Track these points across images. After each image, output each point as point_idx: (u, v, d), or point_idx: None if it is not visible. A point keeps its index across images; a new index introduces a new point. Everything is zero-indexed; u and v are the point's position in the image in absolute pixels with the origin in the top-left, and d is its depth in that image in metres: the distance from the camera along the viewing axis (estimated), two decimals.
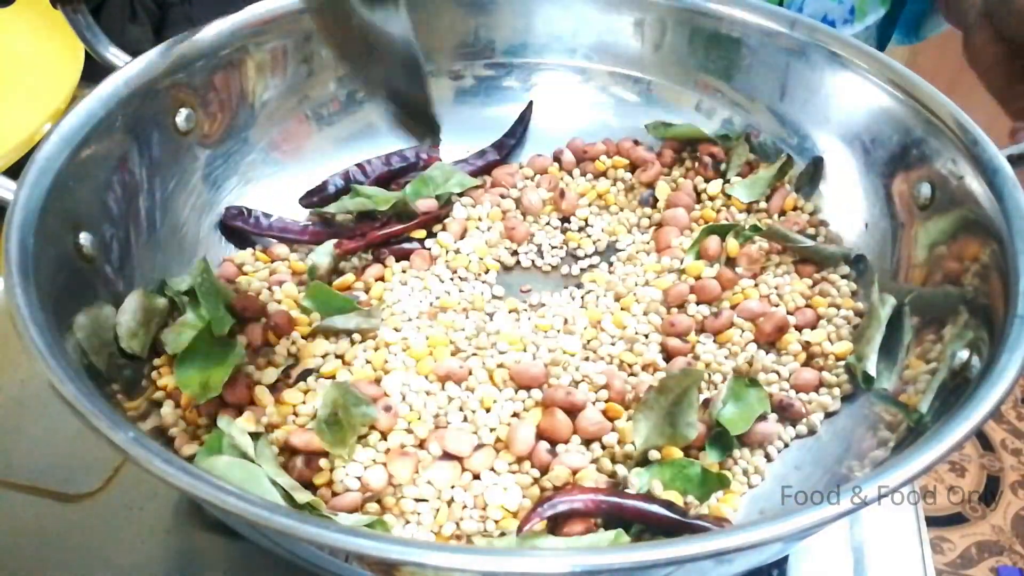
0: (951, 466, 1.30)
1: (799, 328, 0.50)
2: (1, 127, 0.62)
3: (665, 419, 0.44)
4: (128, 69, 0.49)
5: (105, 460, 0.48)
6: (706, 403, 0.46)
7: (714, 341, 0.50)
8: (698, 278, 0.53)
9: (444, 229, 0.57)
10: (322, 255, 0.53)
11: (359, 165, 0.59)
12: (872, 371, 0.47)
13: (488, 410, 0.45)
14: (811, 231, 0.56)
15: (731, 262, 0.54)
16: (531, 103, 0.63)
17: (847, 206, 0.55)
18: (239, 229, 0.55)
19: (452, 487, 0.43)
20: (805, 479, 0.45)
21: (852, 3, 0.69)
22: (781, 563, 0.44)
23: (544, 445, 0.44)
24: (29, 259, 0.39)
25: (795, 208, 0.57)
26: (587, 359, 0.49)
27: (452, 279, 0.54)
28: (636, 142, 0.62)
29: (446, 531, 0.41)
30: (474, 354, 0.48)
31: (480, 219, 0.57)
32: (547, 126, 0.63)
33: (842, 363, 0.49)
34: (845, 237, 0.55)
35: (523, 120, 0.63)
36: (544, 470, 0.43)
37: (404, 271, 0.54)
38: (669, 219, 0.57)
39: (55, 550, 0.44)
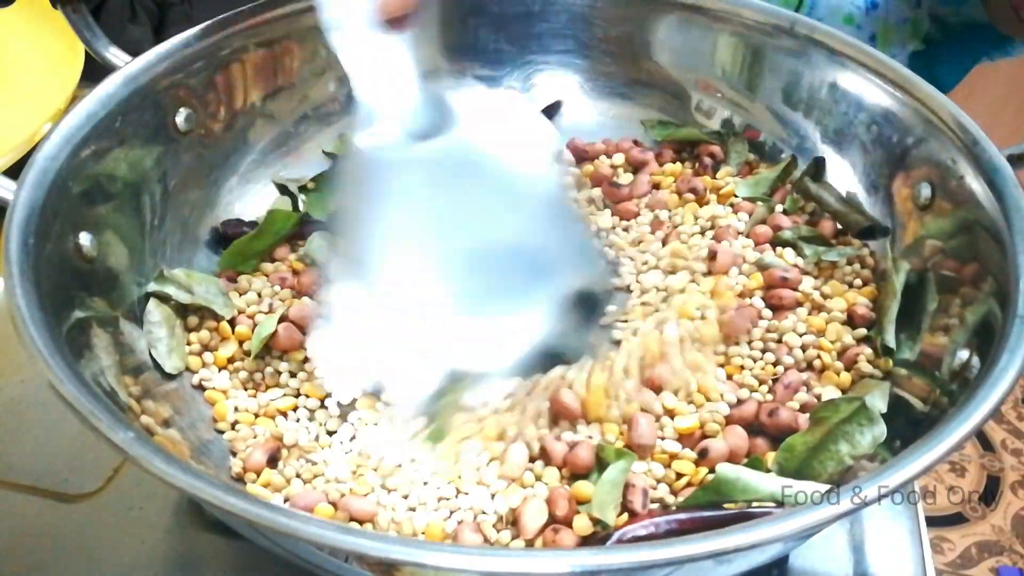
0: (951, 466, 1.30)
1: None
2: (1, 127, 0.62)
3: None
4: (128, 69, 0.49)
5: (105, 460, 0.48)
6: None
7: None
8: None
9: None
10: (316, 247, 0.53)
11: None
12: (891, 342, 0.47)
13: None
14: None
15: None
16: (559, 102, 0.63)
17: None
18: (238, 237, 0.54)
19: None
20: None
21: (873, 30, 0.68)
22: (781, 563, 0.44)
23: None
24: (29, 259, 0.39)
25: (799, 209, 0.57)
26: None
27: None
28: (636, 142, 0.62)
29: None
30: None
31: None
32: None
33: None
34: None
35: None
36: None
37: None
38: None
39: (55, 550, 0.44)
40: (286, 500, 0.43)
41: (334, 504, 0.42)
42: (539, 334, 0.44)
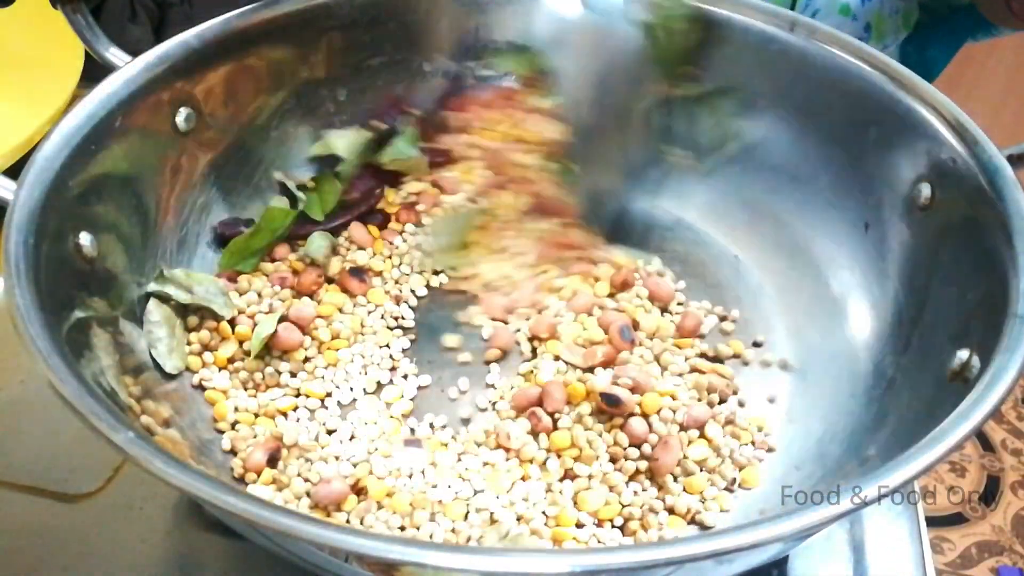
0: (951, 466, 1.30)
1: None
2: (1, 127, 0.62)
3: None
4: (128, 69, 0.49)
5: (105, 460, 0.48)
6: None
7: None
8: None
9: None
10: (316, 246, 0.54)
11: None
12: None
13: None
14: None
15: None
16: None
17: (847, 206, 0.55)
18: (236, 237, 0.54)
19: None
20: (805, 479, 0.45)
21: (868, 20, 0.69)
22: (781, 563, 0.44)
23: None
24: (29, 259, 0.39)
25: None
26: None
27: None
28: None
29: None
30: None
31: None
32: None
33: None
34: (845, 237, 0.55)
35: None
36: None
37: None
38: None
39: (55, 550, 0.44)
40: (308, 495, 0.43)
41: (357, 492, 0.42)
42: None
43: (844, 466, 0.44)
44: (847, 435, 0.46)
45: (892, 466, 0.33)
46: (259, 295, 0.51)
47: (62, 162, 0.43)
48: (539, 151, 0.53)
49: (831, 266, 0.54)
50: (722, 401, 0.49)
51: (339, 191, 0.57)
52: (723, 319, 0.54)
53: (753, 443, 0.47)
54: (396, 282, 0.54)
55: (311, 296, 0.52)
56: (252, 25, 0.54)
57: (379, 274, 0.54)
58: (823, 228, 0.56)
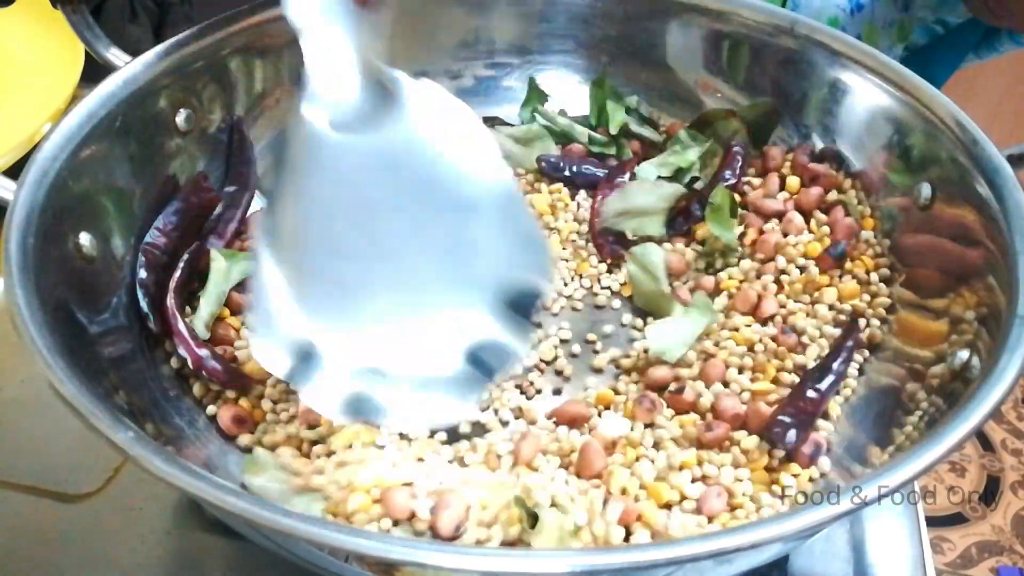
0: (951, 466, 1.30)
1: None
2: (1, 127, 0.62)
3: None
4: (128, 69, 0.49)
5: (105, 460, 0.48)
6: None
7: None
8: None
9: None
10: None
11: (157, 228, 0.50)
12: None
13: None
14: None
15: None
16: None
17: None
18: None
19: None
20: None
21: (858, 32, 0.69)
22: (781, 563, 0.44)
23: None
24: (29, 259, 0.39)
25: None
26: None
27: None
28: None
29: None
30: None
31: None
32: None
33: None
34: None
35: None
36: None
37: None
38: None
39: (55, 550, 0.44)
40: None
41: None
42: (469, 335, 0.40)
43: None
44: (848, 435, 0.46)
45: (892, 466, 0.33)
46: None
47: (62, 162, 0.43)
48: None
49: None
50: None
51: None
52: None
53: None
54: None
55: None
56: (252, 24, 0.54)
57: None
58: None
